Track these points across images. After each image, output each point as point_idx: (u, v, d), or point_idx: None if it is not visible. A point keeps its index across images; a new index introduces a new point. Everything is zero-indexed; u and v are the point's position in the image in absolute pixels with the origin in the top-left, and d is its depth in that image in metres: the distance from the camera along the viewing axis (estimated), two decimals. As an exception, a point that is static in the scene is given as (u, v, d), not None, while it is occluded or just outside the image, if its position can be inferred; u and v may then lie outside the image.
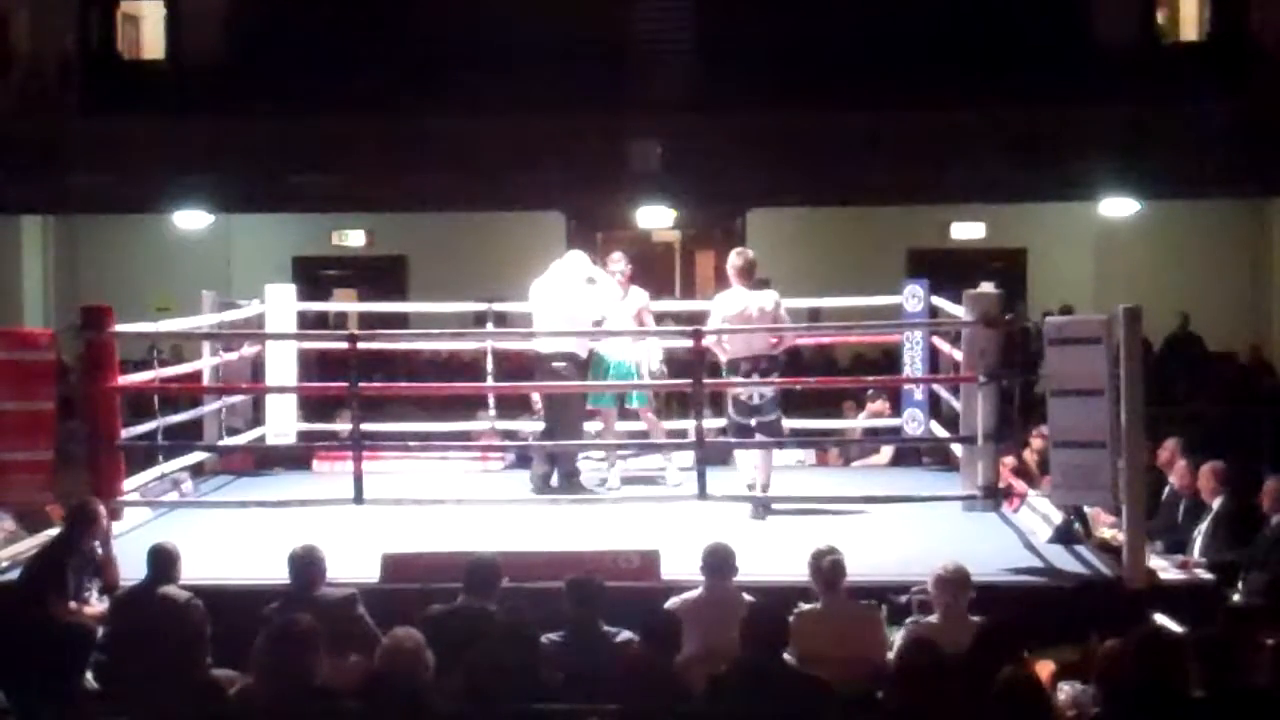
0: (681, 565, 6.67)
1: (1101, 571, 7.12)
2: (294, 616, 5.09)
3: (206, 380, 9.92)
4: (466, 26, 16.14)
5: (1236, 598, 7.50)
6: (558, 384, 8.89)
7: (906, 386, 10.40)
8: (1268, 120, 15.04)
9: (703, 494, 8.02)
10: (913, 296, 10.07)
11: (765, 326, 8.39)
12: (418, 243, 17.97)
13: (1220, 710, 4.77)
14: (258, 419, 10.54)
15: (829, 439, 10.95)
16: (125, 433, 8.49)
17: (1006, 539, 7.82)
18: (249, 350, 10.25)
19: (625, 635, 5.79)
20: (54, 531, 7.24)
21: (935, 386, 9.96)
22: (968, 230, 17.91)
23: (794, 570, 6.50)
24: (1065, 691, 5.34)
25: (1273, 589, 7.35)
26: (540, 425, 9.50)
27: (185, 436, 9.90)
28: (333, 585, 6.24)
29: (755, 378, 8.31)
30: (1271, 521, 8.06)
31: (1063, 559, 7.33)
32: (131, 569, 6.66)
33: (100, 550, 6.83)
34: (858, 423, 11.40)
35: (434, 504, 8.19)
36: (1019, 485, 8.66)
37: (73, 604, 6.54)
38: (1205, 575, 7.47)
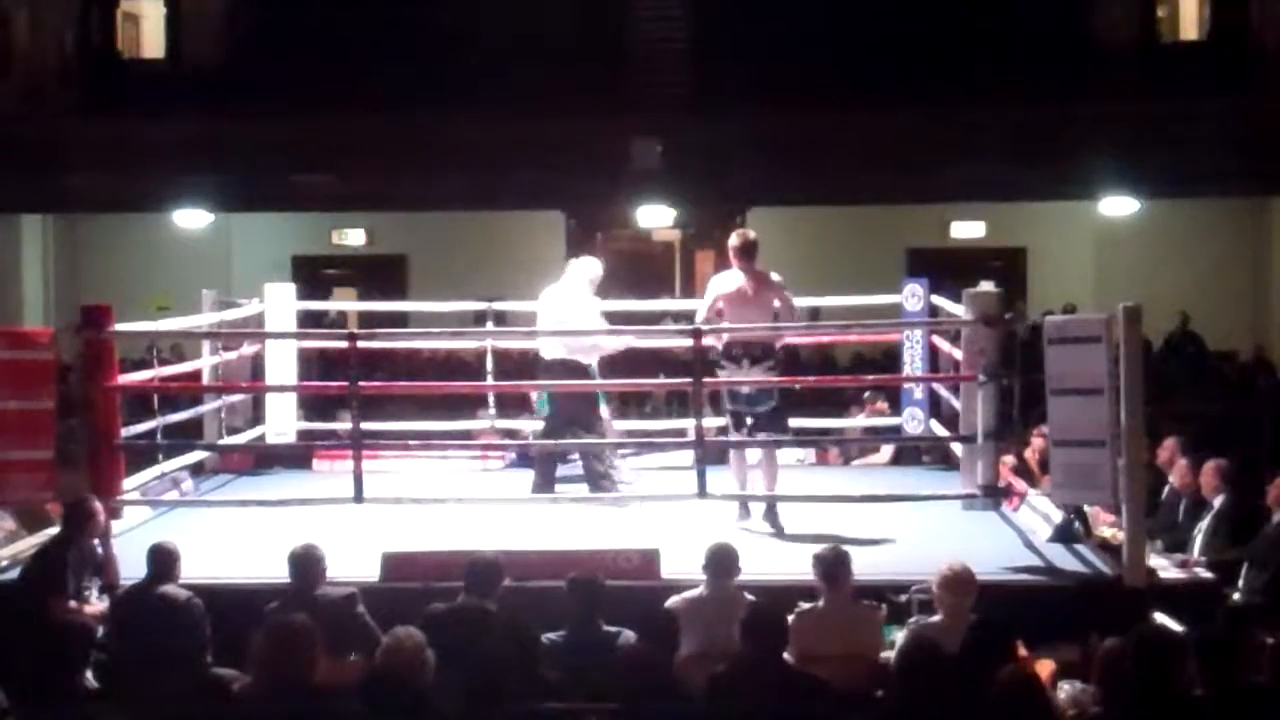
0: (681, 564, 6.66)
1: (1101, 570, 7.11)
2: (290, 616, 5.10)
3: (206, 379, 9.91)
4: (467, 26, 16.15)
5: (1237, 597, 7.50)
6: (557, 384, 8.86)
7: (906, 385, 10.39)
8: (1268, 119, 15.03)
9: (703, 493, 8.00)
10: (912, 295, 10.07)
11: (766, 326, 8.21)
12: (418, 242, 17.99)
13: (1220, 709, 4.77)
14: (258, 418, 10.52)
15: (829, 438, 10.94)
16: (125, 432, 8.46)
17: (1006, 538, 7.80)
18: (249, 349, 10.25)
19: (626, 634, 5.79)
20: (54, 531, 7.23)
21: (935, 385, 9.95)
22: (968, 229, 17.93)
23: (794, 570, 6.50)
24: (1065, 691, 5.34)
25: (1273, 588, 7.37)
26: (539, 425, 9.44)
27: (185, 435, 9.89)
28: (333, 584, 6.24)
29: (747, 364, 7.98)
30: (1273, 519, 8.04)
31: (1063, 558, 7.31)
32: (131, 568, 6.66)
33: (100, 549, 6.83)
34: (858, 422, 11.40)
35: (434, 503, 8.16)
36: (1019, 484, 8.64)
37: (73, 603, 6.53)
38: (1205, 574, 7.47)
